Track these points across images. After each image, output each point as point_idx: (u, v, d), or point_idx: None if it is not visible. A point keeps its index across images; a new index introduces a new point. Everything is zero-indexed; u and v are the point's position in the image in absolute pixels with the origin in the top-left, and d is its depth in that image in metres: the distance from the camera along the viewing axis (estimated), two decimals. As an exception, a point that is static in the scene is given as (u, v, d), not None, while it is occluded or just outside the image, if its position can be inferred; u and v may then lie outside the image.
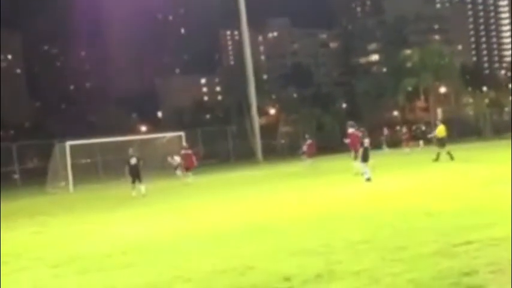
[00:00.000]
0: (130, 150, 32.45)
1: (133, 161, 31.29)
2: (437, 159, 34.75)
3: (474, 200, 15.70)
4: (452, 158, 34.18)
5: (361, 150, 26.09)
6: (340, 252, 10.34)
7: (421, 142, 58.09)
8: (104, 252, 13.09)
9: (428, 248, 9.85)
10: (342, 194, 21.38)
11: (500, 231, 10.69)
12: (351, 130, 30.14)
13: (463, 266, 8.37)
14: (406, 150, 51.11)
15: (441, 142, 36.28)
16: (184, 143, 46.49)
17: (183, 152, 41.17)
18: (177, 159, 42.14)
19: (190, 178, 39.17)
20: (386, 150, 51.37)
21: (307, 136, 48.40)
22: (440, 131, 37.17)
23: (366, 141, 26.28)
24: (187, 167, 40.14)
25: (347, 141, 30.71)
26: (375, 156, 28.09)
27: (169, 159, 44.10)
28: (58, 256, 13.29)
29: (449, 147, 35.78)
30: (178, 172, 41.95)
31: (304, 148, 46.25)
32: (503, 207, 13.72)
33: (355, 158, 28.88)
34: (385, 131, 54.65)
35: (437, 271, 8.30)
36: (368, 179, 24.82)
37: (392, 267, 8.78)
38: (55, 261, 12.57)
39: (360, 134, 28.93)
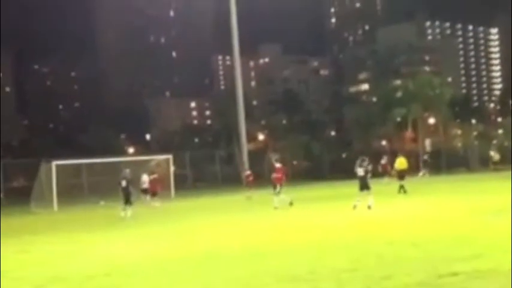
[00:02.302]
0: (125, 172, 32.32)
1: (123, 183, 31.21)
2: (401, 191, 34.62)
3: (461, 231, 15.71)
4: (405, 191, 34.23)
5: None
6: (326, 279, 10.30)
7: (421, 172, 58.31)
8: (88, 274, 12.98)
9: (413, 278, 9.83)
10: (329, 221, 21.34)
11: (486, 263, 10.69)
12: (278, 165, 30.03)
13: (449, 298, 8.34)
14: (385, 180, 49.32)
15: (400, 174, 36.38)
16: (153, 168, 45.66)
17: (152, 177, 41.04)
18: (146, 180, 41.32)
19: (158, 202, 39.31)
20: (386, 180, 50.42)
21: (246, 169, 46.08)
22: (400, 163, 37.29)
23: (359, 170, 26.30)
24: (154, 192, 40.27)
25: (274, 175, 30.13)
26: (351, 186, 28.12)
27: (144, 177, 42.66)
28: (41, 276, 13.18)
29: (406, 181, 35.90)
30: (148, 198, 41.30)
31: (247, 178, 43.54)
32: (490, 238, 13.76)
33: (278, 192, 29.30)
34: (383, 160, 53.71)
35: (422, 301, 8.27)
36: (354, 207, 24.85)
37: (377, 297, 8.74)
38: (38, 282, 12.47)
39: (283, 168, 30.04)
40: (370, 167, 26.84)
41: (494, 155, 61.68)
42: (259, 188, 43.99)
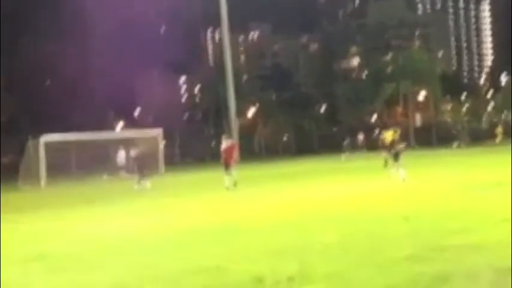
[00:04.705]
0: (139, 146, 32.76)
1: (133, 154, 31.95)
2: (386, 165, 34.54)
3: (452, 206, 15.68)
4: (386, 165, 34.34)
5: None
6: (314, 254, 10.18)
7: (455, 143, 59.36)
8: (75, 250, 12.86)
9: (403, 252, 9.72)
10: (318, 196, 21.25)
11: (477, 237, 10.66)
12: (230, 142, 29.52)
13: (438, 271, 8.25)
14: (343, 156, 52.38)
15: (389, 148, 36.08)
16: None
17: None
18: (123, 156, 40.97)
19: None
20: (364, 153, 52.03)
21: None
22: (388, 136, 37.05)
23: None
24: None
25: (226, 154, 28.94)
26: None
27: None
28: (28, 253, 12.98)
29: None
30: (123, 174, 40.88)
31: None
32: (481, 213, 13.74)
33: (229, 172, 28.20)
34: (361, 136, 55.77)
35: (411, 276, 8.19)
36: (404, 180, 24.66)
37: (367, 271, 8.65)
38: (25, 259, 12.29)
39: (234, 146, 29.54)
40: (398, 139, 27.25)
41: (499, 128, 63.43)
42: (245, 164, 43.96)
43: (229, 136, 30.24)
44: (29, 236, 16.48)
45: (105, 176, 45.79)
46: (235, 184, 27.64)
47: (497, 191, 17.38)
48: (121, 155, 40.20)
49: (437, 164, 36.03)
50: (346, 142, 57.99)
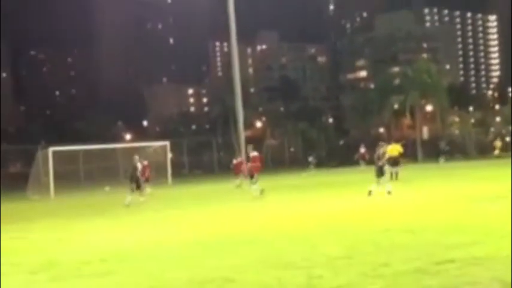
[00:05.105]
0: (135, 159, 32.55)
1: (130, 169, 31.81)
2: (392, 177, 34.49)
3: (458, 218, 15.67)
4: (397, 178, 34.42)
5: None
6: (321, 266, 10.23)
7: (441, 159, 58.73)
8: (83, 260, 12.92)
9: (409, 265, 9.77)
10: (323, 209, 21.27)
11: (483, 250, 10.65)
12: (254, 153, 29.49)
13: (444, 285, 8.29)
14: (361, 167, 52.81)
15: (394, 161, 36.08)
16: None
17: (145, 163, 40.55)
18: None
19: (148, 189, 39.01)
20: (363, 166, 52.24)
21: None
22: (393, 150, 37.09)
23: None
24: (147, 179, 39.94)
25: (251, 164, 29.33)
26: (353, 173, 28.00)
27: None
28: (36, 262, 13.11)
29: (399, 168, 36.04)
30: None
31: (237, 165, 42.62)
32: (487, 225, 13.75)
33: (256, 181, 28.59)
34: (362, 149, 56.03)
35: (418, 288, 8.23)
36: (369, 193, 24.57)
37: (373, 284, 8.69)
38: (33, 267, 12.41)
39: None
40: (382, 153, 26.91)
41: (498, 142, 63.12)
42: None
43: (253, 148, 30.30)
44: (39, 245, 16.62)
45: (107, 188, 45.73)
46: (261, 192, 28.15)
47: (504, 203, 17.35)
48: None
49: (443, 176, 35.97)
50: (311, 158, 58.79)
